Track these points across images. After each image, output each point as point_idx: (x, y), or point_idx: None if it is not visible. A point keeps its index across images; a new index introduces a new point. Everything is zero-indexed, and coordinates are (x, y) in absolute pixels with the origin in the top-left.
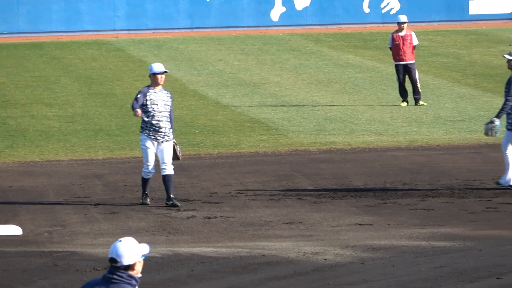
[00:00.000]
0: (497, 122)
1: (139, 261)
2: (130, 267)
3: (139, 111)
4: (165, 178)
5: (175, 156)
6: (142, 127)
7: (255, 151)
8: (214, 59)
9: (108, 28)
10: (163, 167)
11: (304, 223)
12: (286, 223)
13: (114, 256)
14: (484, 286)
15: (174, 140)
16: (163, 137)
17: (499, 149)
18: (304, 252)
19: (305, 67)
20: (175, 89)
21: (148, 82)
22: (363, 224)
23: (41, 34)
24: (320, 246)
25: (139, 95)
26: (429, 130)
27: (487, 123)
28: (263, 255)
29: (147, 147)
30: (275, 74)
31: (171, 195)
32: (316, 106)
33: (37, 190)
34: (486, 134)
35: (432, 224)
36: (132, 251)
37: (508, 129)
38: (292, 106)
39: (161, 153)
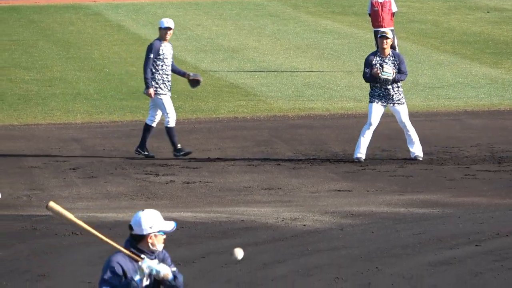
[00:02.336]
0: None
1: (154, 235)
2: (143, 238)
3: (151, 91)
4: (168, 130)
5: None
6: (156, 81)
7: (233, 117)
8: (192, 24)
9: None
10: (166, 119)
11: (283, 188)
12: (265, 189)
13: (131, 224)
14: (463, 252)
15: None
16: (170, 89)
17: (478, 115)
18: (283, 218)
19: (283, 32)
20: None
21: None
22: (342, 190)
23: None
24: (299, 212)
25: (151, 55)
26: (407, 97)
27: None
28: (242, 220)
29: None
30: (254, 40)
31: (178, 146)
32: (294, 72)
33: (15, 153)
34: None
35: (411, 191)
36: (147, 223)
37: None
38: (270, 71)
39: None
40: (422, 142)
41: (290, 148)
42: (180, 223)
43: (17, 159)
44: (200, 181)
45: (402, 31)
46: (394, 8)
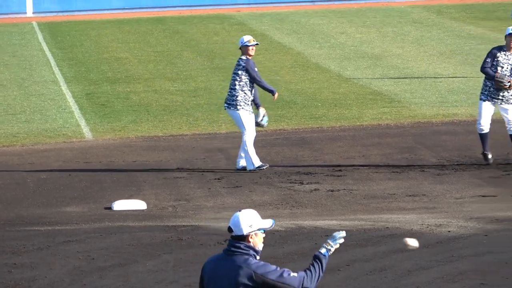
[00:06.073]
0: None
1: (254, 233)
2: (245, 238)
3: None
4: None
5: None
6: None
7: (377, 124)
8: (336, 32)
9: (230, 2)
10: (508, 127)
11: (427, 195)
12: (410, 196)
13: (230, 225)
14: None
15: None
16: (503, 98)
17: None
18: (428, 225)
19: (426, 39)
20: (298, 62)
21: None
22: (487, 196)
23: (163, 9)
24: (443, 218)
25: (488, 59)
26: None
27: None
28: (387, 227)
29: (482, 105)
30: (397, 46)
31: None
32: (438, 78)
33: (160, 164)
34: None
35: None
36: (247, 223)
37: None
38: (414, 78)
39: (505, 113)
40: None
41: (434, 154)
42: (325, 231)
43: (162, 170)
44: (345, 189)
45: None
46: None
